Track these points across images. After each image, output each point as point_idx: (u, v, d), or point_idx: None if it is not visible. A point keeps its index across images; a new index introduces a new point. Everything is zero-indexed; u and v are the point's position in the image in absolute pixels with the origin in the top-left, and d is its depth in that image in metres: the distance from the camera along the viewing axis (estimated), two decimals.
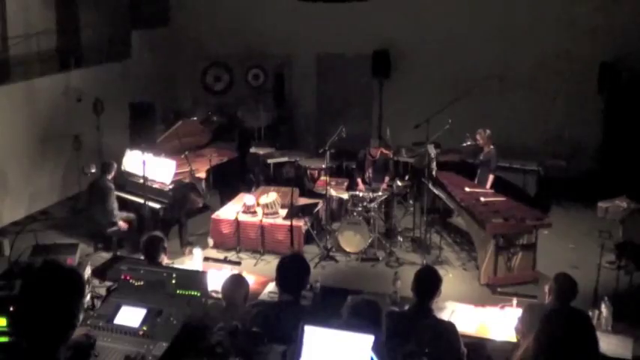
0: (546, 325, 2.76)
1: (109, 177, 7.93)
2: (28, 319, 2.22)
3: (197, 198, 8.56)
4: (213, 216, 8.39)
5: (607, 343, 4.53)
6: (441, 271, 7.27)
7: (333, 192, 8.60)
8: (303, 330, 2.92)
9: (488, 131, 8.77)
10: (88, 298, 5.58)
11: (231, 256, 7.93)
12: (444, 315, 5.10)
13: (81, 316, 2.31)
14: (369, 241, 7.98)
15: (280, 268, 4.08)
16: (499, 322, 5.03)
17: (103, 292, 5.39)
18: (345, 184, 9.19)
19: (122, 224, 7.88)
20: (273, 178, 10.00)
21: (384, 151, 9.17)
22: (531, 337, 2.83)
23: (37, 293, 2.24)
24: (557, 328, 2.73)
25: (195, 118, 9.90)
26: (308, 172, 9.60)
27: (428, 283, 4.10)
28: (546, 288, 4.44)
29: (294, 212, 7.93)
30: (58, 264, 2.39)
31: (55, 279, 2.27)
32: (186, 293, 3.35)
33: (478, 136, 8.83)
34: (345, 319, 3.45)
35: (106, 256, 7.73)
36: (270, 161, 10.09)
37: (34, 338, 2.21)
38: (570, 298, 4.30)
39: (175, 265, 5.99)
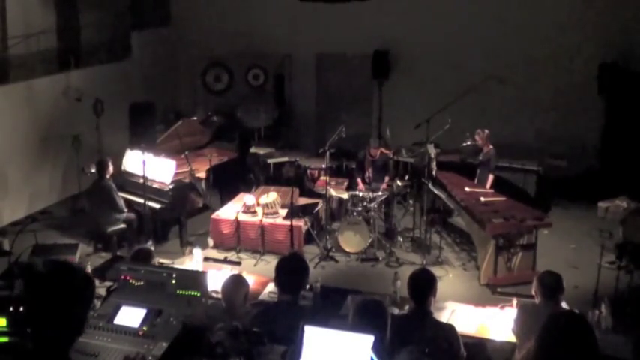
0: (545, 332, 2.76)
1: (107, 176, 7.93)
2: (38, 320, 2.21)
3: (197, 198, 8.56)
4: (213, 216, 8.38)
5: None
6: (441, 271, 7.44)
7: (333, 192, 8.60)
8: (303, 330, 2.92)
9: (486, 131, 8.78)
10: None
11: (231, 256, 7.94)
12: (444, 315, 5.10)
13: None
14: (369, 241, 7.98)
15: (279, 269, 4.09)
16: (499, 322, 5.02)
17: (103, 292, 5.40)
18: (345, 184, 9.19)
19: (130, 215, 7.98)
20: (273, 178, 9.99)
21: (384, 151, 9.18)
22: (529, 338, 2.84)
23: (47, 294, 2.21)
24: (556, 334, 2.74)
25: (195, 118, 9.90)
26: (308, 172, 9.60)
27: (422, 286, 4.09)
28: (533, 290, 4.43)
29: (294, 212, 7.93)
30: (69, 264, 2.36)
31: (67, 280, 2.25)
32: (186, 293, 3.35)
33: (477, 137, 8.84)
34: (352, 318, 3.45)
35: (106, 256, 7.74)
36: (270, 161, 10.09)
37: (44, 340, 2.19)
38: (558, 293, 4.28)
39: (175, 265, 6.00)
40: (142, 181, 7.70)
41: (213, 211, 8.60)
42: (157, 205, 8.06)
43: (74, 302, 2.23)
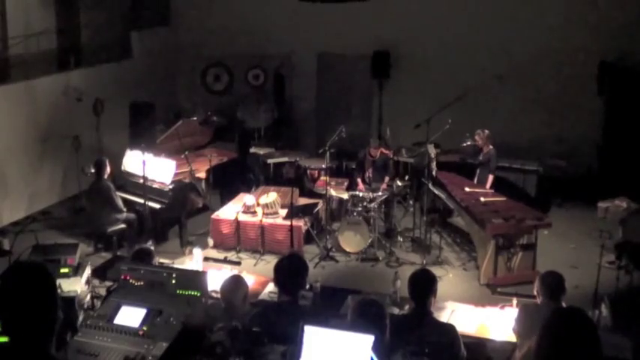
0: (548, 327, 2.76)
1: (106, 176, 7.93)
2: (10, 321, 2.26)
3: (197, 198, 8.56)
4: (213, 216, 8.38)
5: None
6: (441, 271, 7.44)
7: (333, 192, 8.60)
8: (303, 330, 2.92)
9: (486, 131, 8.78)
10: (88, 298, 5.60)
11: (231, 256, 7.94)
12: (444, 315, 5.10)
13: (60, 314, 2.35)
14: (369, 241, 7.98)
15: (278, 269, 4.08)
16: (499, 322, 5.02)
17: (103, 292, 5.40)
18: (345, 184, 9.18)
19: (130, 215, 7.99)
20: (273, 178, 9.99)
21: (384, 151, 9.17)
22: (530, 338, 2.83)
23: (9, 295, 2.27)
24: (559, 329, 2.74)
25: (195, 118, 9.90)
26: (308, 172, 9.60)
27: (422, 286, 4.08)
28: (535, 290, 4.44)
29: (294, 212, 7.93)
30: (21, 262, 2.41)
31: (22, 278, 2.30)
32: (186, 293, 3.35)
33: (477, 137, 8.83)
34: (351, 319, 3.45)
35: (106, 256, 7.74)
36: (270, 161, 10.08)
37: (20, 338, 2.24)
38: (560, 294, 4.28)
39: (175, 265, 6.00)
40: (142, 181, 7.70)
41: (213, 211, 8.60)
42: (157, 205, 8.06)
43: (34, 297, 2.28)
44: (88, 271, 5.85)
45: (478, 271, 7.49)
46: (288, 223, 7.86)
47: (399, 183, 8.57)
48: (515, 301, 5.24)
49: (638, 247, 7.03)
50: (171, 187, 8.15)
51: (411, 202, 9.40)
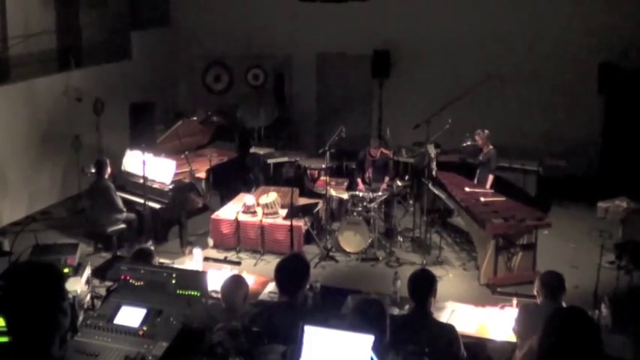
0: (549, 327, 2.76)
1: (106, 176, 7.93)
2: (15, 320, 2.25)
3: (197, 198, 8.56)
4: (213, 216, 8.39)
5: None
6: (441, 271, 7.44)
7: (333, 192, 8.60)
8: (303, 330, 2.92)
9: (486, 131, 8.78)
10: (88, 298, 5.60)
11: (231, 256, 7.94)
12: (444, 315, 5.10)
13: (66, 319, 2.34)
14: (369, 241, 7.98)
15: (279, 270, 4.08)
16: (499, 322, 5.03)
17: (103, 292, 5.40)
18: (345, 184, 9.19)
19: (130, 215, 8.00)
20: (273, 178, 9.99)
21: (384, 151, 9.17)
22: (530, 338, 2.84)
23: (15, 295, 2.26)
24: (560, 329, 2.74)
25: (195, 118, 9.89)
26: (308, 172, 9.60)
27: (422, 286, 4.08)
28: (535, 290, 4.43)
29: (294, 212, 7.93)
30: (32, 262, 2.41)
31: (30, 277, 2.29)
32: (186, 293, 3.35)
33: (477, 137, 8.83)
34: (351, 319, 3.45)
35: (106, 256, 7.74)
36: (270, 161, 10.09)
37: (24, 338, 2.23)
38: (560, 294, 4.28)
39: (175, 265, 6.00)
40: (142, 181, 7.71)
41: (213, 211, 8.60)
42: (157, 205, 8.05)
43: (39, 297, 2.27)
44: (88, 271, 5.85)
45: (478, 271, 7.49)
46: (288, 223, 7.86)
47: (399, 183, 8.57)
48: (515, 301, 5.24)
49: (638, 247, 7.03)
50: (171, 187, 8.15)
51: (411, 202, 9.40)
